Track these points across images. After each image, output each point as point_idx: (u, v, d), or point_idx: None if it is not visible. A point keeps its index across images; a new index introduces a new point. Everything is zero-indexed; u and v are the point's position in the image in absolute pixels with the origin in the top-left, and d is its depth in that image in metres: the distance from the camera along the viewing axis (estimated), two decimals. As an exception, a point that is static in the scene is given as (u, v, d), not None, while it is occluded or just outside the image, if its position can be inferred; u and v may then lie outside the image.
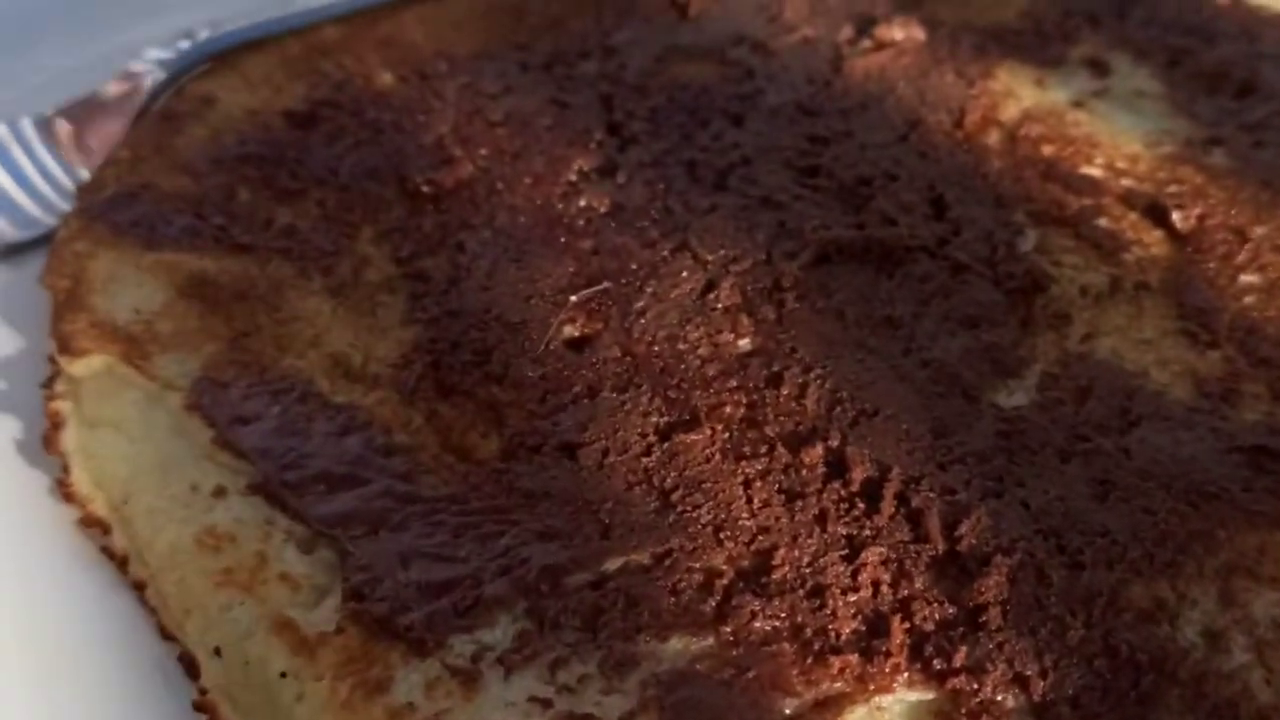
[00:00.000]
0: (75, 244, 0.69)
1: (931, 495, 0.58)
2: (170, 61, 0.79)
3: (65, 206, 0.74)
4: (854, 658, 0.53)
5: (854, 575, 0.55)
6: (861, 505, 0.58)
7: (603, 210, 0.70)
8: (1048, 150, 0.74)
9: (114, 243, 0.69)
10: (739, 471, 0.59)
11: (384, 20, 0.82)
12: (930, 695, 0.52)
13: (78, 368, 0.64)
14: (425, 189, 0.71)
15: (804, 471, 0.59)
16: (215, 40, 0.79)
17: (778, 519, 0.57)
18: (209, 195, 0.71)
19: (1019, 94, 0.78)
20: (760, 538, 0.57)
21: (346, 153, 0.73)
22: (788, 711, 0.51)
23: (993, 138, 0.75)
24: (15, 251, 0.74)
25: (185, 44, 0.79)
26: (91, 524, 0.60)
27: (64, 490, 0.61)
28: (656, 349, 0.64)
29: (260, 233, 0.69)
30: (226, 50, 0.80)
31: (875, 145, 0.74)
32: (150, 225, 0.69)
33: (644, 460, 0.59)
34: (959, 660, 0.53)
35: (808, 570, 0.55)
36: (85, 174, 0.76)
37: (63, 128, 0.77)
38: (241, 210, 0.70)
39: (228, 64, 0.80)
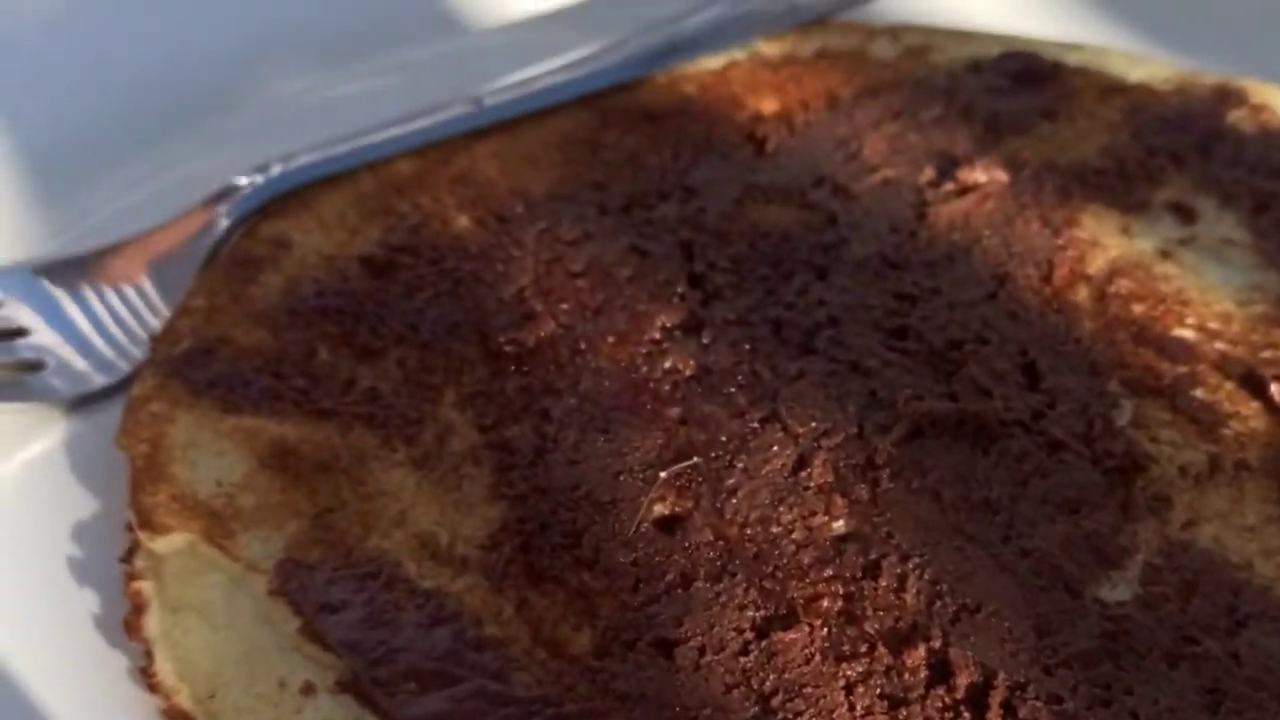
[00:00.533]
0: (151, 404, 0.68)
1: (1039, 704, 0.57)
2: (242, 198, 0.77)
3: (135, 351, 0.73)
4: None
5: (962, 795, 0.54)
6: (967, 715, 0.57)
7: (688, 373, 0.69)
8: (1138, 309, 0.73)
9: (192, 404, 0.68)
10: (840, 674, 0.58)
11: (458, 154, 0.81)
12: None
13: (160, 545, 0.63)
14: (508, 348, 0.70)
15: (906, 675, 0.58)
16: (287, 175, 0.78)
17: (882, 729, 0.56)
18: (288, 353, 0.70)
19: (1105, 243, 0.76)
20: (864, 750, 0.55)
21: (426, 306, 0.72)
22: None
23: (1082, 294, 0.74)
24: (85, 401, 0.73)
25: (257, 178, 0.78)
26: (176, 716, 0.59)
27: (148, 680, 0.60)
28: (749, 532, 0.63)
29: (341, 397, 0.68)
30: (299, 186, 0.78)
31: (964, 304, 0.72)
32: (229, 386, 0.68)
33: (741, 660, 0.58)
34: None
35: (914, 789, 0.54)
36: (152, 318, 0.74)
37: (132, 266, 0.76)
38: (322, 371, 0.69)
39: (300, 201, 0.78)
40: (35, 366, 0.73)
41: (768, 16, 0.91)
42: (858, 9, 0.93)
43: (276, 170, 0.78)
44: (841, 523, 0.63)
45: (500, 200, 0.78)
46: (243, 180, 0.78)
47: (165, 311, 0.75)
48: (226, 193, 0.78)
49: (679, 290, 0.73)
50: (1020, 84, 0.87)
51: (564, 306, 0.72)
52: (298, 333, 0.71)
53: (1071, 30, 0.95)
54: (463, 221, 0.77)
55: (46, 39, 0.86)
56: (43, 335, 0.74)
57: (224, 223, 0.77)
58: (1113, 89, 0.87)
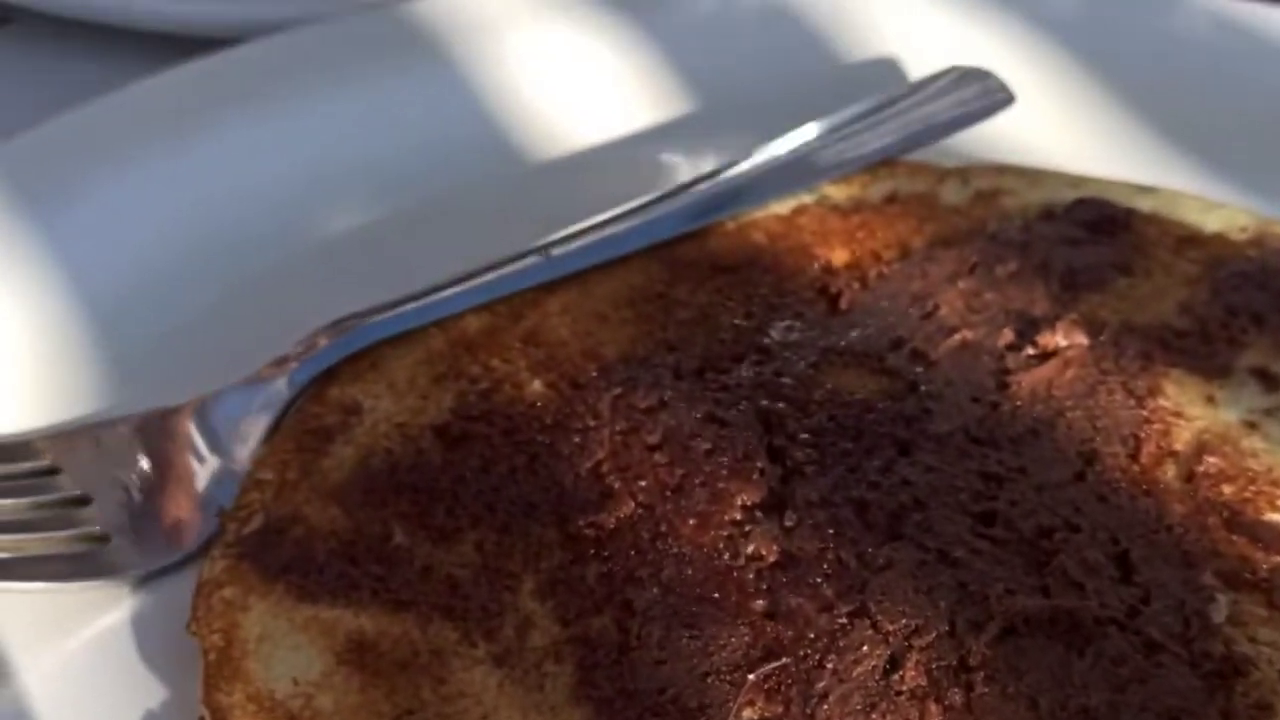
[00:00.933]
0: (224, 590, 0.67)
1: None
2: (308, 362, 0.76)
3: (201, 522, 0.72)
4: None
5: None
6: None
7: (772, 560, 0.68)
8: (1228, 490, 0.71)
9: (266, 591, 0.66)
10: None
11: (527, 309, 0.80)
12: None
13: (236, 749, 0.61)
14: (587, 531, 0.68)
15: None
16: (354, 338, 0.77)
17: None
18: (363, 534, 0.68)
19: (1190, 414, 0.75)
20: None
21: (502, 484, 0.70)
22: None
23: (1170, 474, 0.72)
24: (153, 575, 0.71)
25: (323, 341, 0.76)
26: None
27: None
28: (842, 742, 0.61)
29: (419, 585, 0.66)
30: (367, 346, 0.77)
31: (1051, 486, 0.71)
32: (303, 571, 0.67)
33: None
34: None
35: None
36: (216, 487, 0.73)
37: (195, 431, 0.74)
38: (399, 556, 0.68)
39: (369, 362, 0.77)
40: (99, 539, 0.71)
41: (835, 159, 0.89)
42: (924, 149, 0.92)
43: (343, 335, 0.76)
44: (936, 731, 0.62)
45: (573, 363, 0.77)
46: (308, 343, 0.76)
47: (230, 480, 0.73)
48: (291, 356, 0.76)
49: (759, 465, 0.72)
50: (1094, 234, 0.86)
51: (642, 484, 0.71)
52: (372, 511, 0.69)
53: (1139, 166, 0.94)
54: (535, 386, 0.76)
55: (101, 189, 0.85)
56: (105, 504, 0.72)
57: (290, 388, 0.75)
58: (1188, 240, 0.86)
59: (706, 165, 0.91)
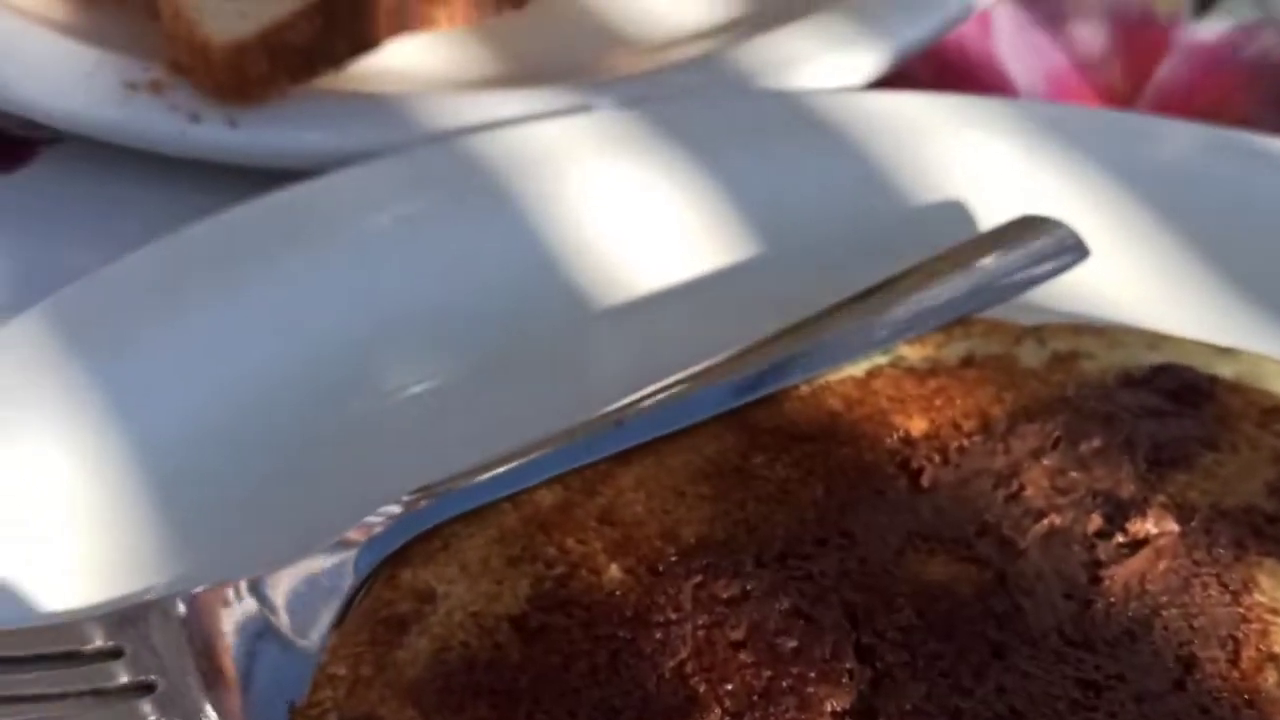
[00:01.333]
0: (299, 800, 0.64)
1: None
2: (376, 541, 0.73)
3: (265, 708, 0.69)
4: None
5: None
6: None
7: (866, 775, 0.65)
8: (1331, 703, 0.69)
9: (341, 803, 0.64)
10: None
11: (600, 483, 0.77)
12: None
13: None
14: (678, 748, 0.66)
15: None
16: (423, 515, 0.74)
17: None
18: (440, 741, 0.66)
19: (1286, 610, 0.73)
20: None
21: (583, 685, 0.68)
22: None
23: (1271, 680, 0.70)
24: (217, 771, 0.68)
25: (391, 517, 0.74)
26: None
27: None
28: None
29: (499, 802, 0.64)
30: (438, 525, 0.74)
31: (1151, 695, 0.68)
32: (380, 783, 0.64)
33: None
34: None
35: None
36: (282, 672, 0.70)
37: (259, 612, 0.72)
38: (479, 766, 0.65)
39: (440, 542, 0.74)
40: (162, 730, 0.68)
41: (908, 316, 0.87)
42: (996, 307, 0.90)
43: (414, 510, 0.74)
44: None
45: (650, 545, 0.74)
46: (376, 519, 0.74)
47: (296, 665, 0.70)
48: (359, 533, 0.74)
49: (848, 666, 0.69)
50: (1178, 404, 0.83)
51: (728, 687, 0.68)
52: (449, 715, 0.67)
53: (1213, 318, 0.92)
54: (613, 572, 0.73)
55: (157, 343, 0.82)
56: (167, 691, 0.69)
57: (360, 569, 0.73)
58: (1273, 411, 0.84)
59: (774, 309, 0.89)
